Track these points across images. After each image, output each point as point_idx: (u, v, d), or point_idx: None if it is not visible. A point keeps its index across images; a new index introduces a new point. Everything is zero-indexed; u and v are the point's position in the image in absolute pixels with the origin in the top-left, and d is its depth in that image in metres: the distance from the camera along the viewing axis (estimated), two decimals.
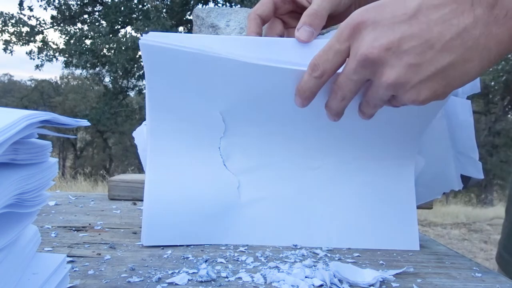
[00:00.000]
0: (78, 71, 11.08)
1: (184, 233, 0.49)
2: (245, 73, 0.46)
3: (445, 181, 0.55)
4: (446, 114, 0.53)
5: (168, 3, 9.41)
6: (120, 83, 10.15)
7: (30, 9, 10.01)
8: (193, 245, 0.49)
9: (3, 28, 9.81)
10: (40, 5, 9.80)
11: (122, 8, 8.99)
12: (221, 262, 0.43)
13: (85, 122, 0.30)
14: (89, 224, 0.58)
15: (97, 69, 9.97)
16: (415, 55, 0.37)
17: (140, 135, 0.55)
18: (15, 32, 9.94)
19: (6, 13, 9.76)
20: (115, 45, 8.82)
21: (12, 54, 10.04)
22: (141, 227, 0.50)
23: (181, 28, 9.53)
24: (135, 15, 9.11)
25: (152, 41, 0.45)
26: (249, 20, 0.53)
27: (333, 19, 0.53)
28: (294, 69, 0.45)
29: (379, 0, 0.40)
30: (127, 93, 10.70)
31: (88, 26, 9.79)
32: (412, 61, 0.37)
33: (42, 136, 0.29)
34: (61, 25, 9.96)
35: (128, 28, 9.44)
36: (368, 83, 0.42)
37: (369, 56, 0.38)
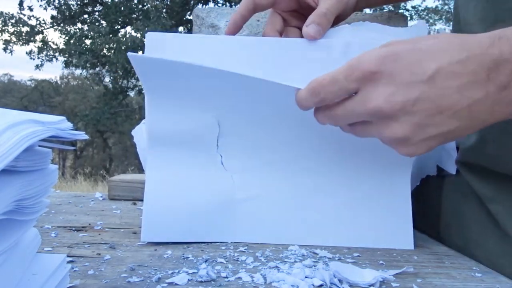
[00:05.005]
0: (78, 71, 11.09)
1: (182, 230, 0.50)
2: (240, 85, 0.47)
3: (422, 169, 0.60)
4: None
5: (168, 3, 9.42)
6: (120, 83, 10.15)
7: (30, 9, 10.02)
8: (193, 245, 0.50)
9: (3, 28, 9.82)
10: (40, 5, 9.81)
11: (122, 8, 9.00)
12: (221, 262, 0.43)
13: (82, 135, 0.30)
14: (89, 224, 0.58)
15: (97, 69, 9.97)
16: (425, 116, 0.38)
17: (139, 133, 0.55)
18: (15, 32, 9.94)
19: (6, 13, 9.77)
20: (115, 45, 8.83)
21: (12, 54, 10.05)
22: (141, 227, 0.50)
23: (181, 28, 9.54)
24: (135, 15, 9.12)
25: (140, 56, 0.46)
26: (244, 1, 0.54)
27: (337, 19, 0.54)
28: (290, 87, 0.44)
29: (393, 46, 0.40)
30: (127, 93, 10.70)
31: (88, 26, 9.80)
32: (420, 122, 0.39)
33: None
34: (61, 25, 9.97)
35: (128, 28, 9.45)
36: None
37: (383, 109, 0.39)
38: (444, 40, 0.39)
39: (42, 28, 10.06)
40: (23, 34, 9.93)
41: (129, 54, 0.45)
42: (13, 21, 9.81)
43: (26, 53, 10.21)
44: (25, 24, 9.87)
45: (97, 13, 10.16)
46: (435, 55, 0.38)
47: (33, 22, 10.00)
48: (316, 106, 0.44)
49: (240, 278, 0.39)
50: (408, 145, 0.40)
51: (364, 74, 0.40)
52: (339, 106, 0.42)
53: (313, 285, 0.37)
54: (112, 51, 8.97)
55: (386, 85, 0.39)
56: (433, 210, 0.62)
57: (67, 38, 9.33)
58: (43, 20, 10.30)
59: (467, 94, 0.37)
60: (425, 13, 11.07)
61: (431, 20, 11.12)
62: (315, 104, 0.44)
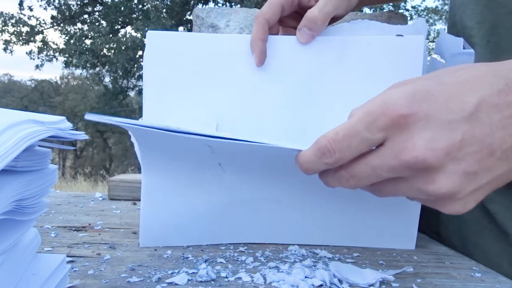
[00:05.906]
0: (78, 71, 11.10)
1: (181, 234, 0.49)
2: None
3: None
4: None
5: (168, 3, 9.42)
6: (120, 83, 10.15)
7: (30, 9, 10.04)
8: (193, 245, 0.49)
9: (3, 28, 9.83)
10: (40, 5, 9.81)
11: (122, 8, 9.00)
12: (221, 262, 0.43)
13: (82, 135, 0.31)
14: (89, 224, 0.58)
15: (97, 69, 9.98)
16: (474, 162, 0.32)
17: None
18: (15, 32, 9.95)
19: (6, 13, 9.78)
20: (115, 45, 8.84)
21: (12, 54, 10.05)
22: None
23: (181, 28, 9.53)
24: (135, 15, 9.12)
25: (99, 116, 0.38)
26: (256, 23, 0.51)
27: (337, 18, 0.53)
28: (292, 149, 0.39)
29: (416, 84, 0.34)
30: (127, 93, 10.70)
31: (88, 26, 9.81)
32: (468, 169, 0.32)
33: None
34: (61, 25, 9.98)
35: (128, 28, 9.46)
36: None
37: (427, 160, 0.31)
38: (475, 69, 0.34)
39: (42, 28, 10.07)
40: (23, 34, 9.94)
41: (87, 115, 0.36)
42: (13, 21, 9.82)
43: (26, 53, 10.22)
44: (25, 24, 9.88)
45: (97, 13, 10.16)
46: (472, 86, 0.32)
47: (33, 22, 10.02)
48: (327, 168, 0.36)
49: (240, 278, 0.39)
50: (455, 200, 0.33)
51: (393, 119, 0.32)
52: (357, 164, 0.34)
53: (313, 285, 0.37)
54: (112, 51, 8.98)
55: (423, 129, 0.32)
56: (433, 210, 0.62)
57: (67, 38, 9.34)
58: (43, 20, 10.35)
59: None
60: (425, 13, 11.07)
61: (431, 20, 11.12)
62: (327, 167, 0.35)
